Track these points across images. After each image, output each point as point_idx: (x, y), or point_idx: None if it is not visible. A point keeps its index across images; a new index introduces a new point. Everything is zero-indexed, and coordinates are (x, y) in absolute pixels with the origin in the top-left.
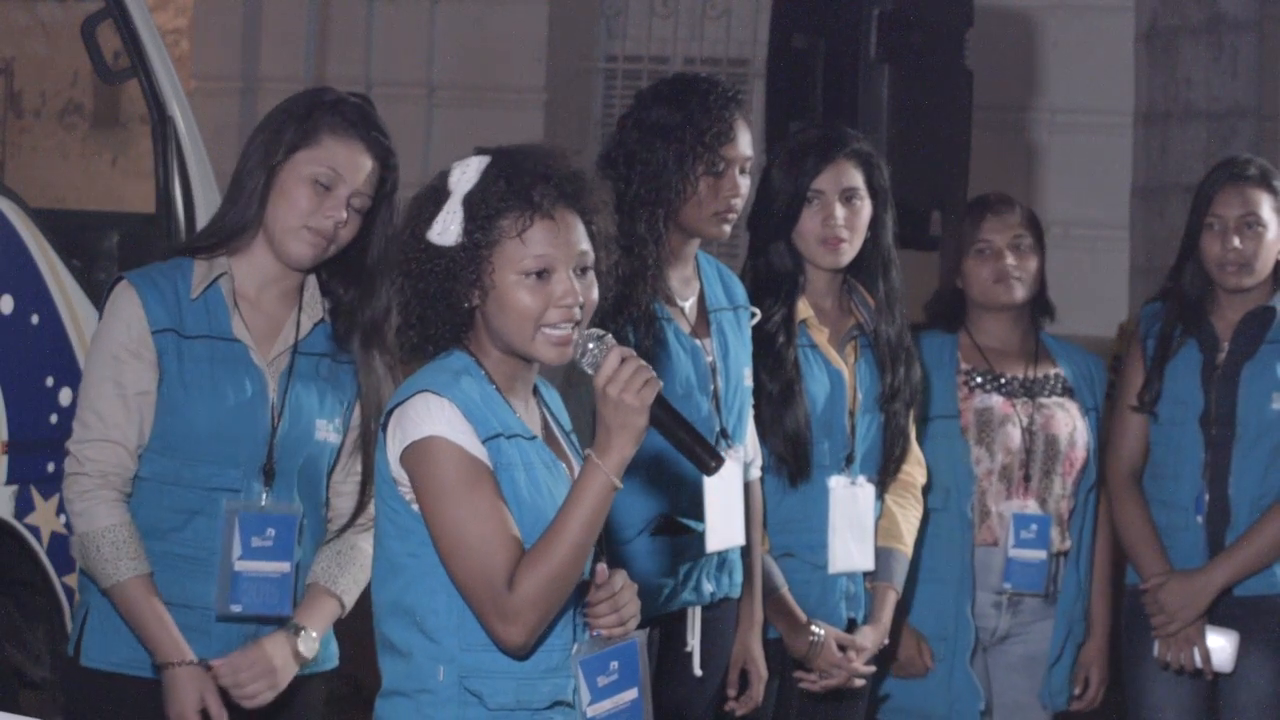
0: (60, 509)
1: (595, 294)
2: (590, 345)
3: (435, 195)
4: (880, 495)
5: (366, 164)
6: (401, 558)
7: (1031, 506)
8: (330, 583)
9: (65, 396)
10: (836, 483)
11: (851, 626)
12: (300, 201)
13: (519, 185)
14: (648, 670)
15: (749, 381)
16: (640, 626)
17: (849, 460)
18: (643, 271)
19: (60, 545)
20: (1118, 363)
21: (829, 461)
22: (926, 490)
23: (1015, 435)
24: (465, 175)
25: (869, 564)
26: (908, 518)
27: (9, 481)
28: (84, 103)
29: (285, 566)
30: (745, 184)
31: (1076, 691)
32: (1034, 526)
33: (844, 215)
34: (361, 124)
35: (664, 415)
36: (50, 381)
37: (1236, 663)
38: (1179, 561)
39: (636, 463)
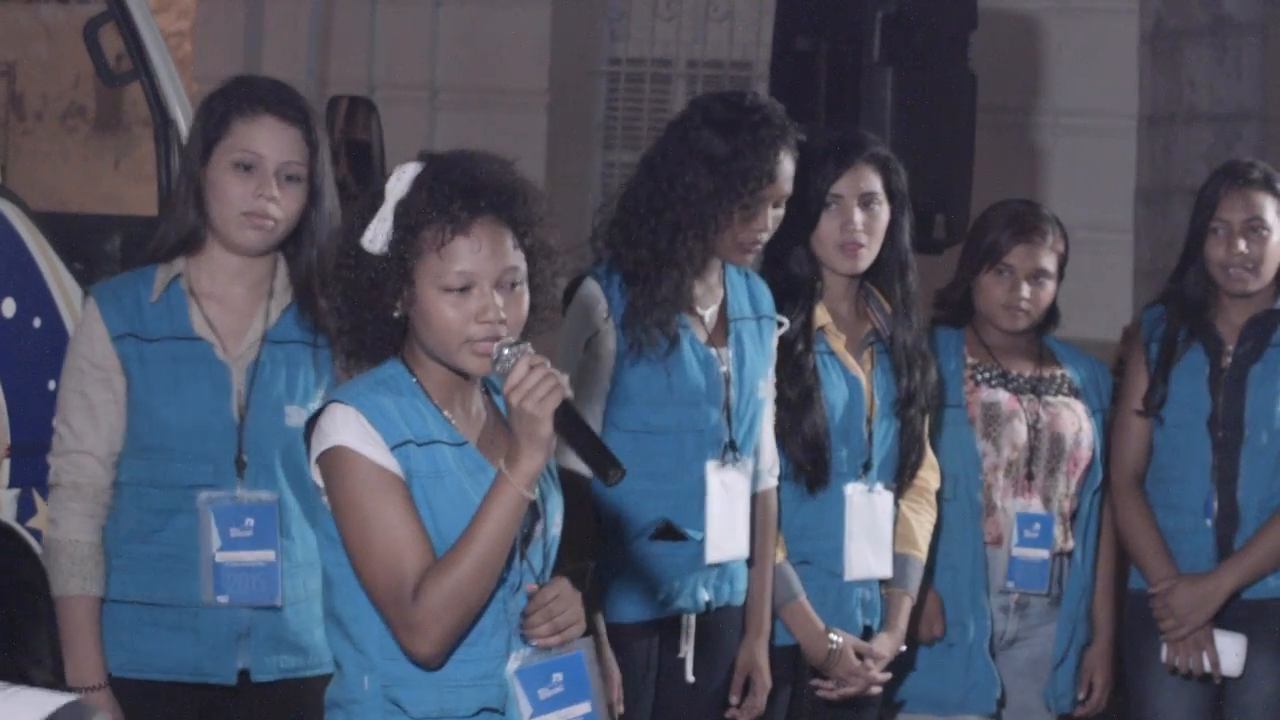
0: None
1: (524, 308)
2: (505, 353)
3: (373, 200)
4: (896, 501)
5: (284, 133)
6: (330, 567)
7: (1035, 505)
8: None
9: None
10: (853, 490)
11: (867, 634)
12: (229, 190)
13: (440, 198)
14: (600, 681)
15: (764, 393)
16: (648, 629)
17: (866, 467)
18: (674, 297)
19: None
20: (1122, 366)
21: (847, 469)
22: (939, 490)
23: (1021, 431)
24: (400, 182)
25: (886, 571)
26: (922, 523)
27: (11, 485)
28: (86, 105)
29: (269, 555)
30: (777, 216)
31: (1081, 695)
32: (1037, 526)
33: (862, 220)
34: (268, 98)
35: (568, 423)
36: (52, 385)
37: (1243, 666)
38: (1187, 565)
39: (638, 467)
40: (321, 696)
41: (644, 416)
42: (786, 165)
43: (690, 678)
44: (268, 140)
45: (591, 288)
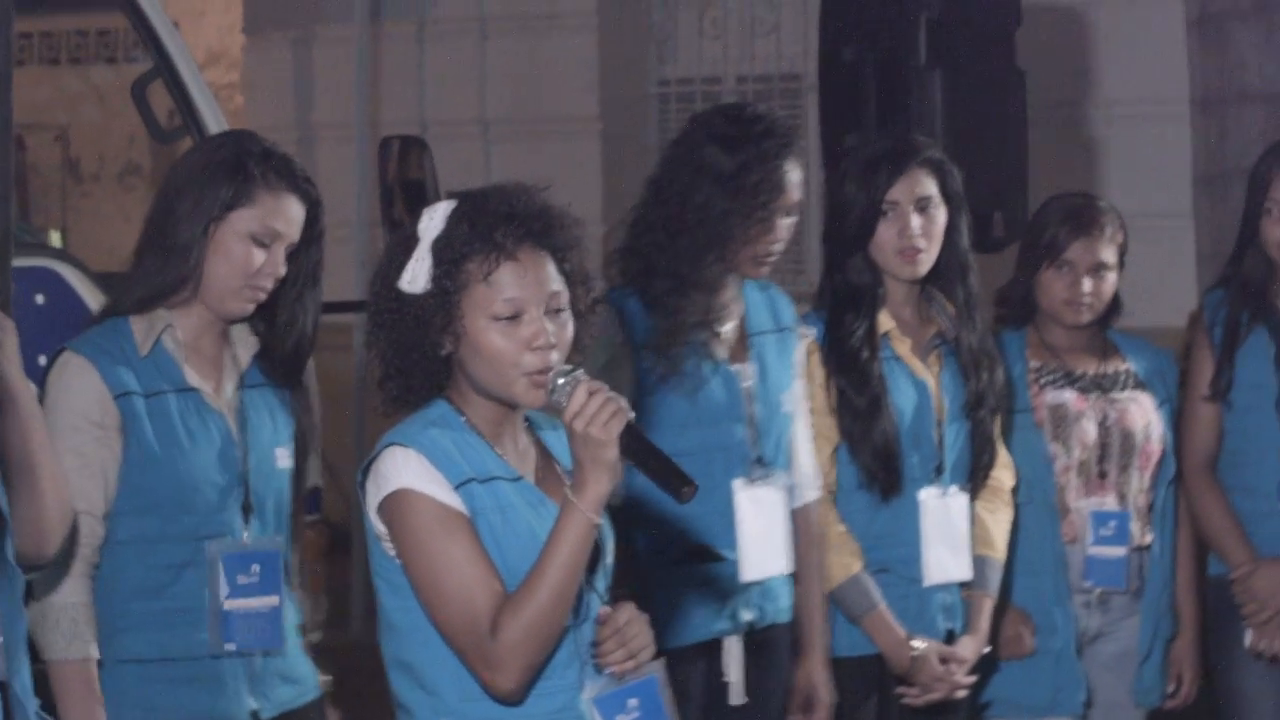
0: None
1: (570, 332)
2: (559, 381)
3: (406, 243)
4: (971, 503)
5: (300, 215)
6: (395, 613)
7: (1110, 503)
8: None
9: None
10: (927, 494)
11: (950, 638)
12: (241, 261)
13: (482, 227)
14: (673, 703)
15: (791, 407)
16: (693, 653)
17: (939, 471)
18: (703, 320)
19: None
20: (1188, 352)
21: (919, 474)
22: (1014, 490)
23: (1091, 431)
24: (433, 221)
25: (966, 574)
26: (999, 523)
27: None
28: (142, 164)
29: (274, 600)
30: (789, 225)
31: (1170, 688)
32: (1112, 523)
33: (920, 225)
34: (290, 174)
35: (634, 444)
36: None
37: None
38: (1264, 548)
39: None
40: None
41: (669, 440)
42: (794, 174)
43: (734, 700)
44: (289, 220)
45: (605, 314)
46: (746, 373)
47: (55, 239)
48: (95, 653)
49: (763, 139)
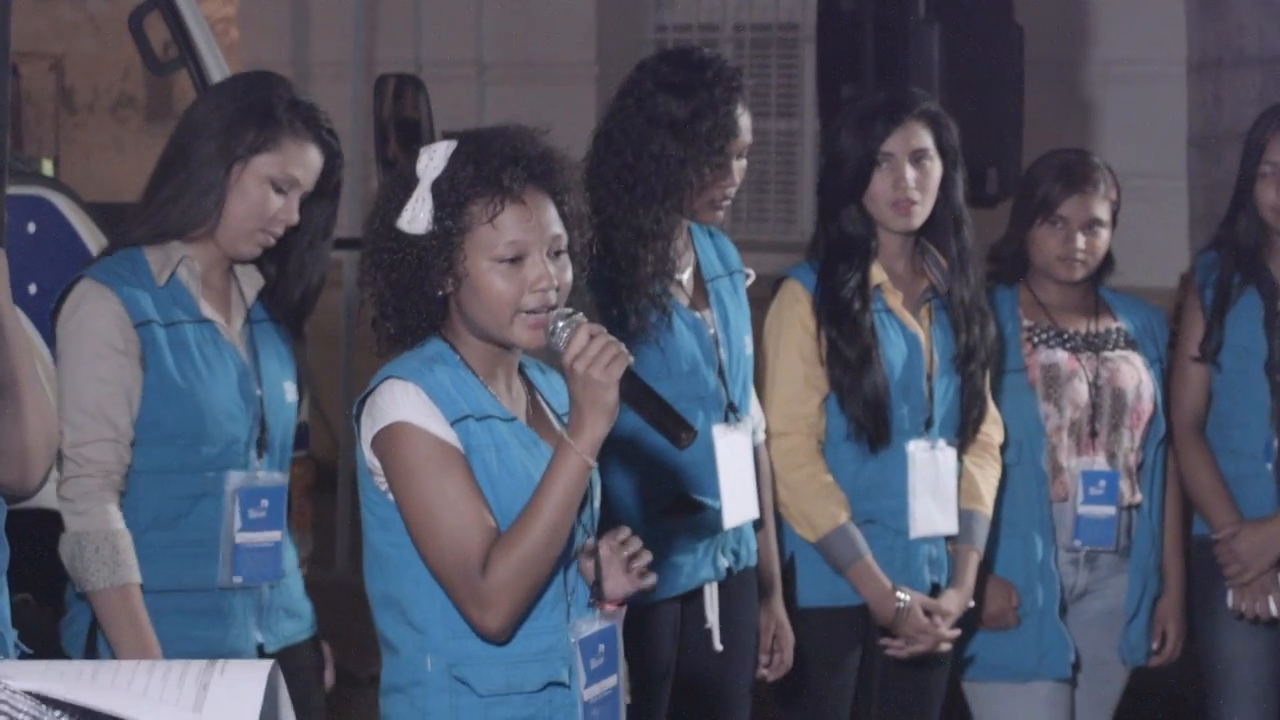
0: None
1: (569, 275)
2: (559, 324)
3: (404, 183)
4: (959, 457)
5: (318, 165)
6: (385, 549)
7: (1100, 462)
8: None
9: None
10: (916, 447)
11: (935, 591)
12: (258, 205)
13: (487, 169)
14: (623, 658)
15: (750, 349)
16: (669, 603)
17: (928, 424)
18: (662, 270)
19: None
20: (1180, 312)
21: (908, 426)
22: (1003, 448)
23: (1083, 391)
24: (433, 161)
25: (952, 528)
26: (986, 478)
27: None
28: (136, 95)
29: (276, 535)
30: (742, 168)
31: (1155, 646)
32: (1102, 482)
33: (914, 177)
34: (314, 124)
35: (634, 389)
36: None
37: None
38: (1250, 510)
39: (645, 444)
40: (306, 659)
41: None
42: (744, 117)
43: (718, 646)
44: (309, 168)
45: None
46: (709, 319)
47: (48, 168)
48: (138, 577)
49: (714, 84)
